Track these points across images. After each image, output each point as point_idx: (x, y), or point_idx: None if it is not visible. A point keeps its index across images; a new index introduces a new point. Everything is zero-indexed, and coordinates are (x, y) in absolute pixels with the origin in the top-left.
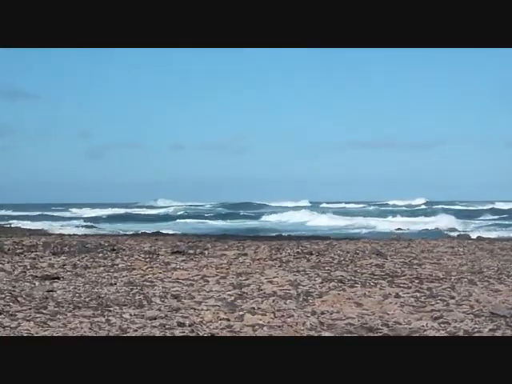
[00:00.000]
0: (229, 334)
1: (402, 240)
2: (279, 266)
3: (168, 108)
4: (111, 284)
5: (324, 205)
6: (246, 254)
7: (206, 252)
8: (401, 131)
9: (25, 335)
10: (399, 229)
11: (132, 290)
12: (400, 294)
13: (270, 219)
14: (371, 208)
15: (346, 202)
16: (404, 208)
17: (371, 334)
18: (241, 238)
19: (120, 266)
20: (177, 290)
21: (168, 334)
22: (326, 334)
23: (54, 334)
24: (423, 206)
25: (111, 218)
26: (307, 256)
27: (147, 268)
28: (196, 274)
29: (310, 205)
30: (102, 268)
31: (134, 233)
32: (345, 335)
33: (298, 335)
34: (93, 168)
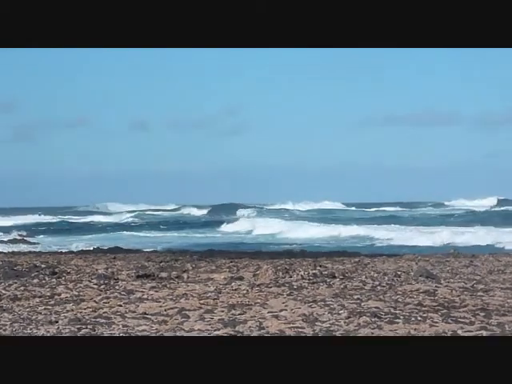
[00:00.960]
0: None
1: (461, 256)
2: (288, 295)
3: (129, 76)
4: (51, 322)
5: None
6: (241, 278)
7: (186, 276)
8: (463, 101)
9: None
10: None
11: (80, 330)
12: (459, 332)
13: (234, 229)
14: (414, 212)
15: (377, 205)
16: (465, 210)
17: None
18: (234, 254)
19: (63, 296)
20: (144, 330)
21: None
22: None
23: None
24: (495, 208)
25: (47, 229)
26: (328, 280)
27: (102, 299)
28: (171, 306)
29: (309, 208)
30: (37, 299)
31: (82, 249)
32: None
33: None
34: (14, 155)
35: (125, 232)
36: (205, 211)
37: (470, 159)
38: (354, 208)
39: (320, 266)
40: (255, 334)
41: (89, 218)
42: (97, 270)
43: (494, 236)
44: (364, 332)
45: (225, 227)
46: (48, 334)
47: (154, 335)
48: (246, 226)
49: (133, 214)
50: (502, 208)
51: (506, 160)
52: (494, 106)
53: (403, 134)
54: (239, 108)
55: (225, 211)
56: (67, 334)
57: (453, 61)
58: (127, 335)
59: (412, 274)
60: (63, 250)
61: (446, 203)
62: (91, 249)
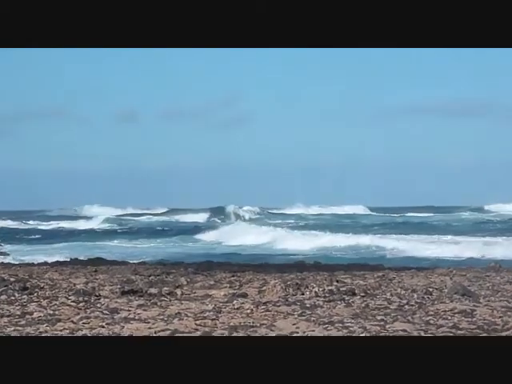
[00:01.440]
0: None
1: (503, 271)
2: (300, 315)
3: (117, 56)
4: None
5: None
6: (244, 295)
7: (179, 292)
8: (498, 89)
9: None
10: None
11: None
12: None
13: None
14: (447, 217)
15: (405, 209)
16: (507, 216)
17: None
18: (237, 267)
19: (36, 315)
20: None
21: None
22: None
23: None
24: None
25: (15, 237)
26: (347, 297)
27: (81, 319)
28: (162, 328)
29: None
30: (5, 319)
31: (57, 260)
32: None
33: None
34: None
35: (105, 241)
36: (200, 215)
37: (507, 156)
38: (375, 213)
39: (337, 281)
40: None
41: (64, 224)
42: (75, 284)
43: None
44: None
45: (207, 235)
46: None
47: (153, 335)
48: (237, 233)
49: (113, 219)
50: None
51: None
52: None
53: (430, 126)
54: (241, 96)
55: (222, 215)
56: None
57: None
58: (126, 335)
59: (446, 291)
60: (35, 261)
61: (485, 208)
62: (68, 260)
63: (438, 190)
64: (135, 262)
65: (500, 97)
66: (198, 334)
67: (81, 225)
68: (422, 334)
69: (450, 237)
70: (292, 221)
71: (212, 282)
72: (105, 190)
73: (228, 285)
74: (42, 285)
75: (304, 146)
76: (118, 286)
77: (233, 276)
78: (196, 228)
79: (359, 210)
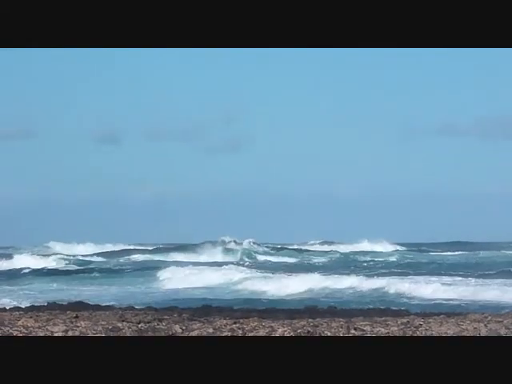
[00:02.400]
0: None
1: None
2: None
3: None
4: None
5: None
6: None
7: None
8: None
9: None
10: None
11: None
12: None
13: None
14: (480, 256)
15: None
16: None
17: None
18: (240, 313)
19: None
20: None
21: None
22: None
23: None
24: None
25: None
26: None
27: None
28: None
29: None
30: None
31: (32, 305)
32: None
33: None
34: None
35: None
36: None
37: None
38: (399, 248)
39: (355, 329)
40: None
41: (20, 262)
42: (53, 333)
43: None
44: None
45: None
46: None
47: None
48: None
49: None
50: None
51: None
52: None
53: (463, 149)
54: (239, 115)
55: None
56: None
57: None
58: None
59: None
60: (7, 306)
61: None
62: (45, 304)
63: (468, 223)
64: (122, 307)
65: None
66: None
67: (48, 263)
68: None
69: (479, 279)
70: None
71: (211, 330)
72: (82, 224)
73: (229, 333)
74: (14, 333)
75: (310, 174)
76: (103, 335)
77: (235, 323)
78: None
79: (378, 247)
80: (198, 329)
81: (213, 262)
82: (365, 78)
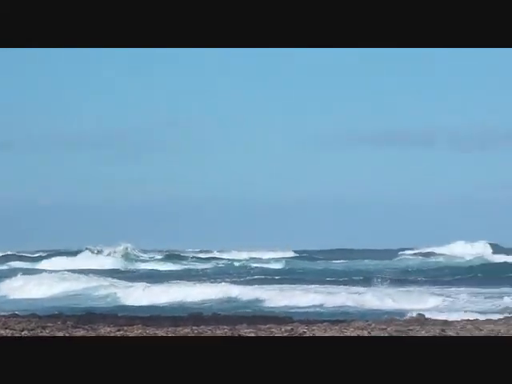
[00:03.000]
0: None
1: (429, 323)
2: None
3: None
4: None
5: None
6: None
7: None
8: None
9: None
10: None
11: None
12: None
13: None
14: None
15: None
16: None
17: None
18: (124, 319)
19: None
20: None
21: None
22: None
23: None
24: (485, 258)
25: None
26: None
27: None
28: None
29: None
30: None
31: None
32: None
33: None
34: None
35: None
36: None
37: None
38: (286, 255)
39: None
40: None
41: None
42: None
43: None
44: None
45: None
46: None
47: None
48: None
49: None
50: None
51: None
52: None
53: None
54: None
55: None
56: None
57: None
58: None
59: None
60: None
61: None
62: None
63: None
64: (4, 314)
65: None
66: None
67: None
68: None
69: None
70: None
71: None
72: None
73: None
74: None
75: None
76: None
77: (119, 330)
78: None
79: (265, 254)
80: (83, 336)
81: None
82: (311, 81)
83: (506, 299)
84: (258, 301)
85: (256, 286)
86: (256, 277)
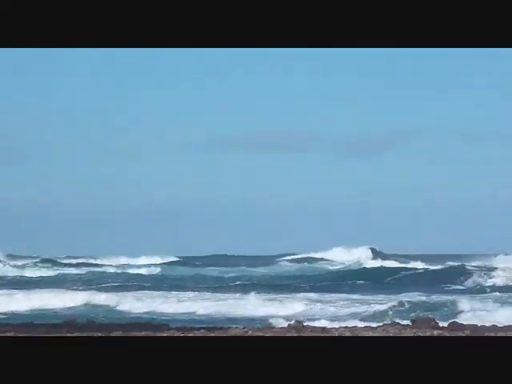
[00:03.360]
0: None
1: (308, 330)
2: None
3: None
4: None
5: None
6: None
7: None
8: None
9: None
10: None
11: None
12: None
13: None
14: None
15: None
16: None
17: None
18: None
19: None
20: None
21: None
22: None
23: None
24: (368, 264)
25: None
26: None
27: None
28: None
29: None
30: None
31: None
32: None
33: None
34: None
35: None
36: None
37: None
38: (156, 261)
39: None
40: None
41: None
42: None
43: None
44: None
45: None
46: None
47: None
48: None
49: None
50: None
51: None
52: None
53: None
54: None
55: None
56: None
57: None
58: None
59: None
60: None
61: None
62: None
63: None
64: None
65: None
66: None
67: None
68: None
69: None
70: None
71: None
72: None
73: None
74: None
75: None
76: None
77: None
78: None
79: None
80: None
81: None
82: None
83: (380, 306)
84: (132, 307)
85: (130, 292)
86: (130, 283)
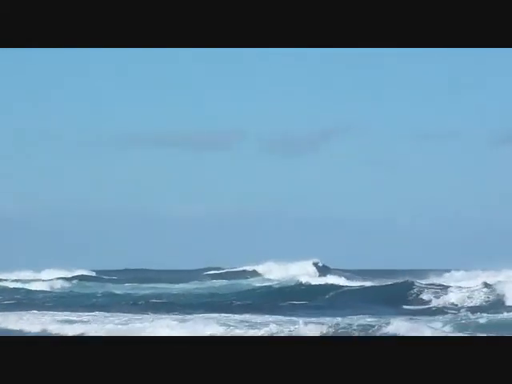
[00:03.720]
0: None
1: None
2: None
3: None
4: None
5: None
6: None
7: None
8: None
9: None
10: None
11: None
12: None
13: None
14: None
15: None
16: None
17: None
18: None
19: None
20: None
21: None
22: None
23: None
24: (310, 279)
25: None
26: None
27: None
28: None
29: None
30: None
31: None
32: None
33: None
34: None
35: None
36: None
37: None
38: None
39: None
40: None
41: None
42: None
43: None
44: None
45: None
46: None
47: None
48: None
49: None
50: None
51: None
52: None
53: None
54: None
55: None
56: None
57: None
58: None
59: None
60: None
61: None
62: None
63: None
64: None
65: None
66: None
67: None
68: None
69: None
70: None
71: None
72: None
73: None
74: None
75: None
76: None
77: None
78: None
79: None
80: None
81: None
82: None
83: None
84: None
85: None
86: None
